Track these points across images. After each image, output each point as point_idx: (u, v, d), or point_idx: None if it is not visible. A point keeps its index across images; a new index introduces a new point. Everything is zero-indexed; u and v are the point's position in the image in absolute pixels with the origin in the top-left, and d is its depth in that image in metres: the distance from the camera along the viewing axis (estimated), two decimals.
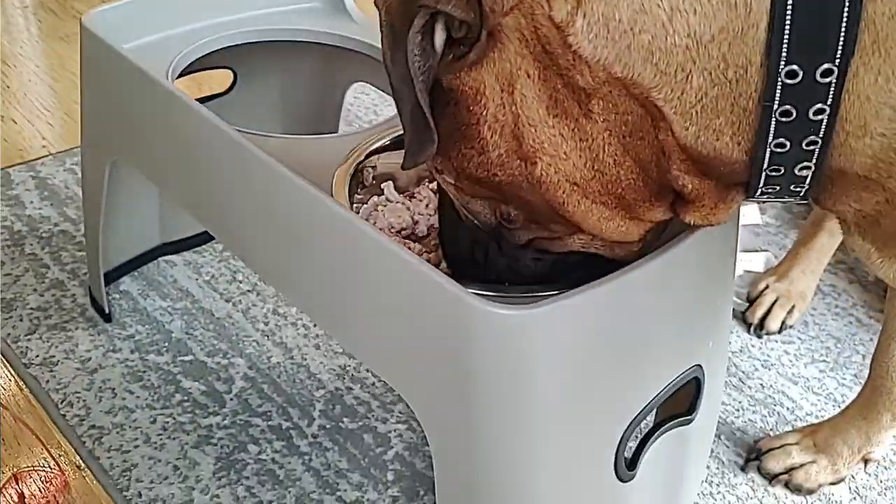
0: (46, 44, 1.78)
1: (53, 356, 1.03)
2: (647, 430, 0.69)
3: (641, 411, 0.64)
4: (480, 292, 0.56)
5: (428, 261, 0.71)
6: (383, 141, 0.79)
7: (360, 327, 0.65)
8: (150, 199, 1.13)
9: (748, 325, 1.19)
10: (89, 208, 1.02)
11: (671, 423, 0.70)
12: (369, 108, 1.59)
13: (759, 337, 1.18)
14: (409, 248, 0.70)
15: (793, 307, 1.19)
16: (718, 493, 0.95)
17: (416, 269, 0.56)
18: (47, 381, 1.00)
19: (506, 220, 0.61)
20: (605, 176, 0.52)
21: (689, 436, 0.74)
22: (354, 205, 0.76)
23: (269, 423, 0.97)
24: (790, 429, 1.03)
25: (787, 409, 1.07)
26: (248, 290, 1.16)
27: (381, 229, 0.75)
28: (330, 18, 1.00)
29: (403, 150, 0.55)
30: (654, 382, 0.65)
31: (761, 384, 1.10)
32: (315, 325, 1.11)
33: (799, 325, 1.20)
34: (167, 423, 0.96)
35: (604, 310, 0.57)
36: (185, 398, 1.00)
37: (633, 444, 0.67)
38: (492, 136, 0.53)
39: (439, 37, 0.49)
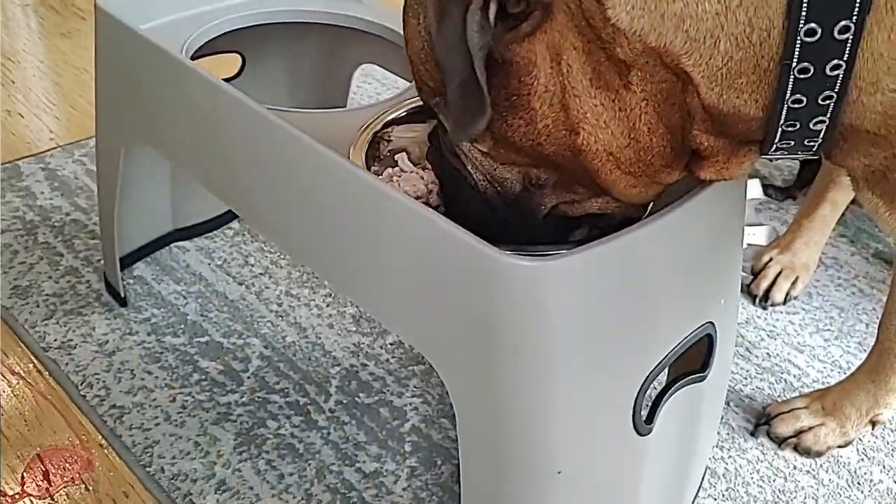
0: (49, 40, 1.79)
1: (71, 340, 1.05)
2: (662, 386, 0.70)
3: (658, 364, 0.66)
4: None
5: None
6: (398, 112, 0.80)
7: (383, 288, 0.67)
8: (162, 186, 1.15)
9: (753, 297, 1.21)
10: (104, 194, 1.03)
11: (686, 379, 0.71)
12: (372, 96, 1.61)
13: (765, 308, 1.20)
14: None
15: (797, 279, 1.21)
16: (729, 457, 0.97)
17: (438, 226, 0.58)
18: (66, 364, 1.01)
19: (535, 184, 0.63)
20: (640, 143, 0.55)
21: (702, 395, 0.76)
22: None
23: (287, 399, 0.99)
24: (796, 394, 1.05)
25: (794, 376, 1.09)
26: (261, 273, 1.17)
27: None
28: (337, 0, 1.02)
29: (450, 122, 0.56)
30: (669, 336, 0.66)
31: (768, 353, 1.12)
32: (328, 306, 1.12)
33: (803, 296, 1.22)
34: (186, 401, 0.98)
35: (620, 263, 0.59)
36: (203, 377, 1.01)
37: (648, 401, 0.68)
38: (541, 107, 0.54)
39: (492, 11, 0.51)
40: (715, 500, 0.92)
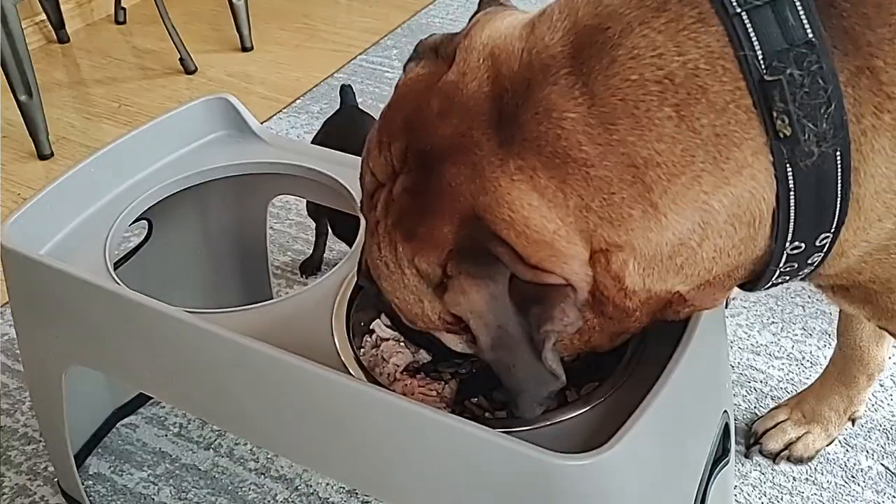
0: None
1: None
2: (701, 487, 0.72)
3: (703, 474, 0.68)
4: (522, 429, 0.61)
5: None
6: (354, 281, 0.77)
7: (434, 498, 0.65)
8: (93, 371, 1.06)
9: None
10: (47, 419, 0.96)
11: (716, 470, 0.73)
12: None
13: None
14: (435, 392, 0.71)
15: None
16: (735, 487, 1.01)
17: (489, 440, 0.57)
18: None
19: None
20: (629, 333, 0.62)
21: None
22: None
23: None
24: (770, 400, 1.11)
25: (760, 381, 1.15)
26: (224, 430, 1.11)
27: (390, 374, 0.74)
28: (240, 145, 0.97)
29: (520, 403, 0.60)
30: (705, 445, 0.68)
31: (731, 365, 1.17)
32: None
33: (740, 294, 1.28)
34: None
35: (657, 420, 0.60)
36: None
37: None
38: (571, 342, 0.61)
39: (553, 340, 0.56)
40: None
